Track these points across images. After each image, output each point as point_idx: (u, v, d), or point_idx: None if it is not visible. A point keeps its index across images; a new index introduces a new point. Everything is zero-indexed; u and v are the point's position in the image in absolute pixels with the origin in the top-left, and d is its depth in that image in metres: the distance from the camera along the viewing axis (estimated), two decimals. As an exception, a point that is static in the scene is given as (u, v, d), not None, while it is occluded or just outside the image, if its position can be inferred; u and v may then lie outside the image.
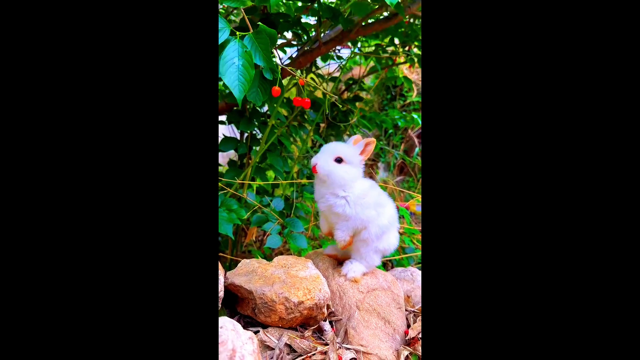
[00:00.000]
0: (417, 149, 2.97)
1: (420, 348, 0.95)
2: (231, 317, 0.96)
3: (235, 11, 1.52)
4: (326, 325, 0.94)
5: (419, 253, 1.67)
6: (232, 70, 0.88)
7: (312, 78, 1.81)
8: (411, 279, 1.25)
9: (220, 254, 1.54)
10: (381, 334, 0.97)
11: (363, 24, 1.48)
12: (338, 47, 1.84)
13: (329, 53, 1.73)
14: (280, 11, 1.36)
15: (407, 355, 0.94)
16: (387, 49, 1.93)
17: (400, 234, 1.12)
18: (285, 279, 0.94)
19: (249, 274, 0.97)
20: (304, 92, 1.17)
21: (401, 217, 1.51)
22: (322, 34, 1.50)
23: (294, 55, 1.63)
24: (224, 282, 0.94)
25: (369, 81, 3.08)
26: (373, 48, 2.00)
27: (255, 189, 1.58)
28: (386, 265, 1.77)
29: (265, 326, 0.93)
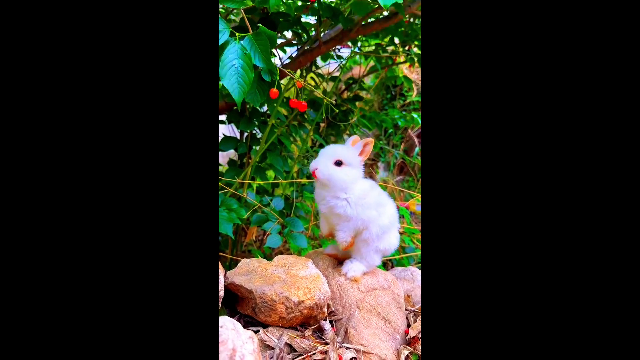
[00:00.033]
0: (417, 149, 2.97)
1: (420, 347, 0.95)
2: (231, 316, 0.96)
3: (235, 10, 1.52)
4: (326, 325, 0.94)
5: (419, 252, 1.67)
6: (231, 73, 0.88)
7: (312, 77, 1.80)
8: (411, 279, 1.25)
9: (220, 253, 1.54)
10: (381, 333, 0.97)
11: (363, 23, 1.48)
12: (338, 47, 1.83)
13: (329, 52, 1.73)
14: (280, 10, 1.36)
15: (407, 355, 0.94)
16: (387, 48, 1.93)
17: (400, 233, 1.12)
18: (286, 278, 0.94)
19: (249, 274, 0.97)
20: (301, 95, 1.17)
21: (401, 216, 1.51)
22: (322, 33, 1.50)
23: (294, 55, 1.63)
24: (224, 281, 0.94)
25: (368, 81, 3.08)
26: (373, 47, 2.00)
27: (255, 188, 1.58)
28: (386, 264, 1.77)
29: (265, 326, 0.93)
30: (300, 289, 0.90)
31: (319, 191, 1.01)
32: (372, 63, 2.17)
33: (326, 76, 1.83)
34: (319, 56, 1.73)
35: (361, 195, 0.97)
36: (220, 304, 0.90)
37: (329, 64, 1.88)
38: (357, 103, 2.05)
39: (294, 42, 1.65)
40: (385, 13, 1.50)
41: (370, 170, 2.77)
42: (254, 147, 1.61)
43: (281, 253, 1.70)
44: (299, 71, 1.69)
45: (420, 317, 1.06)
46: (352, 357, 0.89)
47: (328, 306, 0.96)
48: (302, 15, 1.48)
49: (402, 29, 1.78)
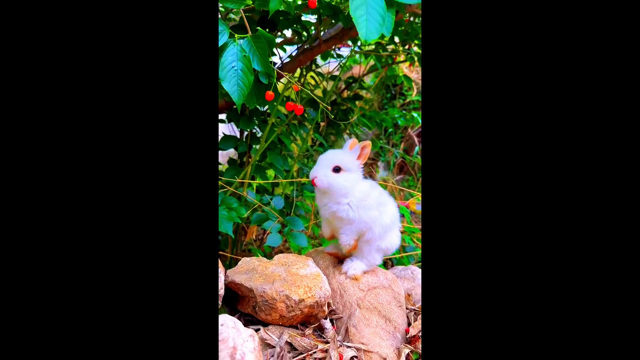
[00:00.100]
0: (417, 148, 2.97)
1: (421, 346, 0.95)
2: (232, 315, 0.96)
3: (234, 10, 1.51)
4: (327, 324, 0.94)
5: (419, 252, 1.67)
6: (231, 75, 0.88)
7: (312, 76, 1.80)
8: (411, 277, 1.24)
9: (221, 252, 1.54)
10: (382, 332, 0.97)
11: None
12: (338, 47, 1.83)
13: (329, 51, 1.73)
14: (280, 9, 1.36)
15: (408, 354, 0.94)
16: (387, 47, 1.93)
17: (401, 232, 1.12)
18: (286, 277, 0.94)
19: (249, 272, 0.97)
20: (297, 98, 1.16)
21: (401, 215, 1.51)
22: (322, 32, 1.49)
23: (294, 53, 1.62)
24: (225, 280, 0.94)
25: (368, 80, 3.07)
26: (373, 46, 2.00)
27: (255, 187, 1.58)
28: (386, 263, 1.77)
29: (265, 324, 0.92)
30: (301, 287, 0.90)
31: (320, 197, 1.01)
32: (372, 62, 2.17)
33: (326, 75, 1.83)
34: (319, 55, 1.72)
35: (362, 197, 0.97)
36: (220, 303, 0.89)
37: (329, 62, 1.88)
38: (357, 102, 2.05)
39: (294, 41, 1.64)
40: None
41: (370, 169, 2.77)
42: (254, 146, 1.60)
43: (281, 252, 1.70)
44: (298, 70, 1.69)
45: (420, 316, 1.06)
46: (353, 356, 0.88)
47: (328, 305, 0.96)
48: (302, 14, 1.48)
49: (402, 27, 1.77)
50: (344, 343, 0.91)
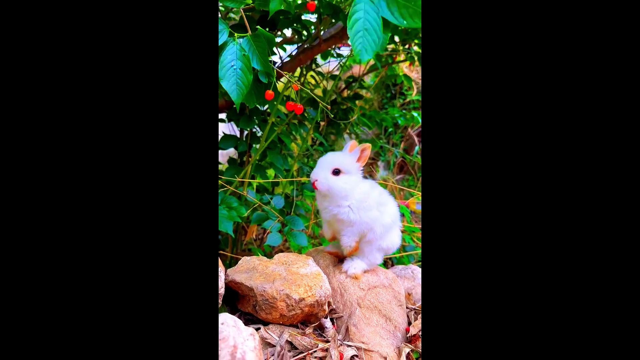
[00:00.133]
0: (417, 147, 2.97)
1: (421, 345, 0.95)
2: (232, 314, 0.96)
3: (234, 9, 1.51)
4: (327, 323, 0.94)
5: (419, 251, 1.67)
6: (230, 74, 0.88)
7: (312, 76, 1.80)
8: (412, 277, 1.24)
9: (221, 252, 1.54)
10: (382, 331, 0.97)
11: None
12: (338, 46, 1.83)
13: (329, 50, 1.73)
14: (281, 8, 1.35)
15: (408, 353, 0.94)
16: (387, 46, 1.93)
17: (401, 232, 1.12)
18: (286, 276, 0.94)
19: (249, 271, 0.97)
20: (297, 98, 1.16)
21: (401, 215, 1.51)
22: (322, 31, 1.49)
23: (294, 53, 1.62)
24: (225, 279, 0.94)
25: (368, 79, 3.07)
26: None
27: (255, 187, 1.57)
28: (387, 263, 1.77)
29: (266, 323, 0.92)
30: (301, 286, 0.90)
31: (321, 200, 1.01)
32: (372, 61, 2.17)
33: (326, 75, 1.83)
34: (319, 54, 1.72)
35: (362, 198, 0.97)
36: (220, 302, 0.89)
37: (329, 62, 1.88)
38: (357, 102, 2.05)
39: (295, 40, 1.64)
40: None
41: (370, 169, 2.77)
42: (254, 145, 1.60)
43: (281, 251, 1.70)
44: (298, 69, 1.69)
45: (420, 315, 1.06)
46: (353, 355, 0.88)
47: (329, 304, 0.96)
48: (302, 13, 1.47)
49: (402, 27, 1.77)
50: (344, 342, 0.91)
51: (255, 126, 1.56)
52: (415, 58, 1.85)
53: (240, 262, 1.03)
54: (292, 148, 1.78)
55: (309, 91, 1.22)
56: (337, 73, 1.82)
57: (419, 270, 1.27)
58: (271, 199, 1.44)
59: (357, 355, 0.89)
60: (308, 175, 1.78)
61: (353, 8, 0.83)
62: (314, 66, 1.80)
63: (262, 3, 0.98)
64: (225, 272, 0.98)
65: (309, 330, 0.92)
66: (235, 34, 0.89)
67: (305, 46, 1.53)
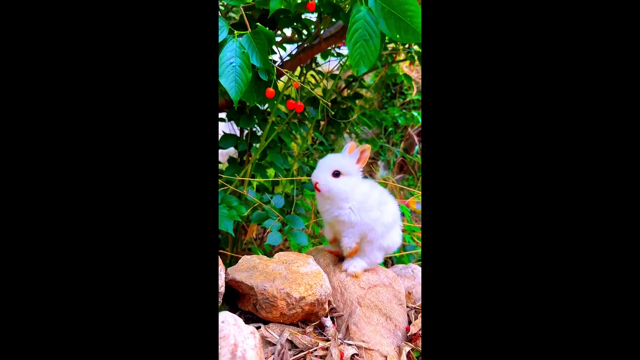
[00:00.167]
0: (417, 147, 2.97)
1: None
2: (232, 313, 0.96)
3: (234, 8, 1.51)
4: (327, 321, 0.94)
5: (419, 250, 1.67)
6: (229, 71, 0.88)
7: (312, 75, 1.80)
8: (412, 276, 1.24)
9: (221, 251, 1.54)
10: (383, 330, 0.97)
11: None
12: (338, 46, 1.83)
13: (329, 50, 1.72)
14: (281, 7, 1.35)
15: (408, 352, 0.94)
16: (388, 46, 1.93)
17: (401, 231, 1.12)
18: (287, 274, 0.93)
19: (249, 270, 0.97)
20: (297, 96, 1.16)
21: (401, 214, 1.51)
22: (322, 30, 1.49)
23: (294, 52, 1.62)
24: (225, 277, 0.94)
25: (368, 79, 3.07)
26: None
27: (255, 186, 1.57)
28: (387, 262, 1.77)
29: (266, 322, 0.92)
30: (302, 285, 0.90)
31: (322, 203, 1.01)
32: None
33: (326, 74, 1.83)
34: (319, 54, 1.72)
35: (363, 199, 0.97)
36: (221, 301, 0.89)
37: (329, 61, 1.88)
38: (357, 101, 2.05)
39: (294, 38, 1.64)
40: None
41: (370, 168, 2.77)
42: (254, 144, 1.60)
43: (281, 251, 1.69)
44: (298, 69, 1.69)
45: (421, 314, 1.06)
46: (354, 354, 0.88)
47: (329, 303, 0.96)
48: (302, 12, 1.47)
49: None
50: (344, 341, 0.91)
51: (255, 125, 1.56)
52: (416, 57, 1.85)
53: (240, 261, 1.03)
54: (292, 147, 1.77)
55: (309, 88, 1.22)
56: (337, 72, 1.82)
57: (419, 269, 1.27)
58: (271, 198, 1.44)
59: (357, 354, 0.89)
60: (308, 175, 1.78)
61: (353, 18, 0.84)
62: (314, 65, 1.80)
63: (262, 1, 0.98)
64: (226, 271, 0.98)
65: (309, 329, 0.92)
66: (235, 32, 0.89)
67: (305, 45, 1.53)
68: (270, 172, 1.69)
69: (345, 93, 2.10)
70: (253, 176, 1.52)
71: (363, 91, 2.61)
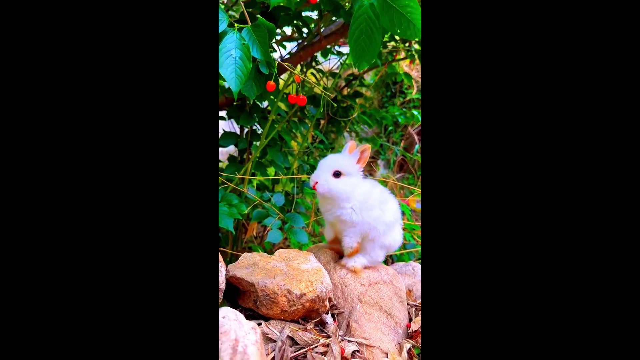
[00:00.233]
0: (417, 146, 2.97)
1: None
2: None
3: (235, 7, 1.51)
4: (328, 318, 0.94)
5: (420, 248, 1.67)
6: (229, 63, 0.87)
7: (312, 73, 1.80)
8: (412, 274, 1.24)
9: (221, 249, 1.54)
10: (383, 327, 0.97)
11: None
12: (338, 45, 1.83)
13: (329, 47, 1.72)
14: (281, 5, 1.35)
15: (409, 348, 0.94)
16: (388, 44, 1.93)
17: (402, 229, 1.12)
18: (287, 271, 0.93)
19: (250, 267, 0.97)
20: (300, 90, 1.16)
21: (402, 213, 1.51)
22: (322, 29, 1.49)
23: (294, 51, 1.62)
24: (226, 274, 0.94)
25: (368, 78, 3.07)
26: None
27: (255, 184, 1.57)
28: (387, 260, 1.77)
29: (267, 319, 0.92)
30: (302, 281, 0.90)
31: (323, 203, 1.01)
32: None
33: (326, 72, 1.83)
34: (319, 52, 1.72)
35: (364, 198, 0.98)
36: (221, 297, 0.89)
37: (329, 60, 1.88)
38: (357, 99, 2.05)
39: (295, 36, 1.64)
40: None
41: (370, 167, 2.77)
42: (254, 142, 1.60)
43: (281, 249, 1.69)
44: (299, 66, 1.69)
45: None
46: (354, 350, 0.88)
47: (330, 299, 0.96)
48: (303, 10, 1.47)
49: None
50: (345, 338, 0.91)
51: (256, 123, 1.56)
52: (416, 56, 1.85)
53: (241, 258, 1.03)
54: (292, 146, 1.77)
55: (312, 85, 1.22)
56: (337, 71, 1.82)
57: (420, 266, 1.27)
58: (271, 196, 1.44)
59: (358, 351, 0.89)
60: (308, 173, 1.78)
61: (356, 13, 0.84)
62: (314, 64, 1.80)
63: None
64: (226, 267, 0.97)
65: (310, 325, 0.92)
66: (235, 25, 0.89)
67: (305, 43, 1.53)
68: (271, 170, 1.69)
69: (345, 92, 2.10)
70: (253, 174, 1.52)
71: (363, 90, 2.61)
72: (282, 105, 1.62)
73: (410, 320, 1.04)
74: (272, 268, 0.95)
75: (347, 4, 1.29)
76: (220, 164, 1.79)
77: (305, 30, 1.53)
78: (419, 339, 0.96)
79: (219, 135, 1.53)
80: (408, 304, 1.08)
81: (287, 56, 1.59)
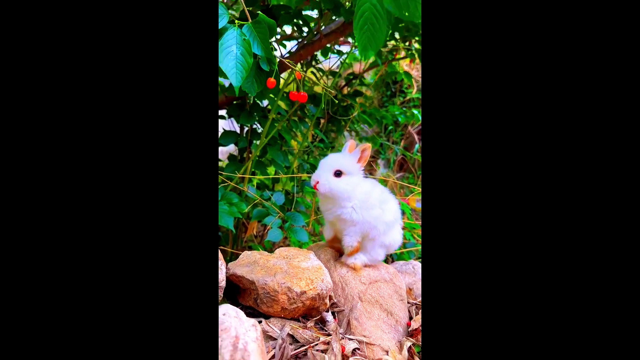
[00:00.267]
0: (417, 145, 2.97)
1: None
2: (233, 308, 0.95)
3: (235, 5, 1.51)
4: (329, 316, 0.94)
5: (420, 247, 1.67)
6: (230, 58, 0.87)
7: (312, 72, 1.80)
8: (413, 272, 1.24)
9: (221, 248, 1.54)
10: (384, 325, 0.97)
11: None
12: (338, 43, 1.83)
13: (329, 46, 1.73)
14: (281, 3, 1.35)
15: (410, 346, 0.94)
16: (388, 43, 1.93)
17: (402, 228, 1.12)
18: (288, 269, 0.93)
19: (250, 265, 0.97)
20: (301, 87, 1.16)
21: (402, 212, 1.51)
22: (322, 27, 1.49)
23: (294, 50, 1.62)
24: (226, 272, 0.94)
25: (368, 77, 3.07)
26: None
27: (255, 183, 1.57)
28: (387, 259, 1.77)
29: (267, 317, 0.92)
30: (303, 279, 0.90)
31: (324, 202, 1.02)
32: (372, 58, 2.17)
33: (326, 71, 1.83)
34: (320, 51, 1.72)
35: (364, 198, 0.98)
36: (221, 295, 0.89)
37: (329, 59, 1.88)
38: (357, 99, 2.05)
39: (295, 35, 1.64)
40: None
41: (370, 166, 2.77)
42: (254, 141, 1.60)
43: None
44: (299, 65, 1.69)
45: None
46: (355, 348, 0.88)
47: (330, 297, 0.96)
48: (303, 8, 1.47)
49: (403, 24, 1.77)
50: (345, 336, 0.91)
51: (256, 122, 1.56)
52: (416, 55, 1.85)
53: (241, 256, 1.03)
54: (292, 145, 1.78)
55: (314, 81, 1.22)
56: (337, 70, 1.82)
57: (420, 265, 1.27)
58: (272, 195, 1.44)
59: (358, 349, 0.89)
60: (308, 172, 1.78)
61: (360, 1, 0.83)
62: (314, 63, 1.80)
63: None
64: (226, 265, 0.97)
65: (310, 323, 0.91)
66: (236, 21, 0.88)
67: (305, 42, 1.53)
68: (271, 169, 1.69)
69: (345, 91, 2.10)
70: (253, 173, 1.52)
71: (363, 89, 2.61)
72: (282, 104, 1.63)
73: (411, 318, 1.04)
74: (273, 266, 0.95)
75: (347, 3, 1.29)
76: (220, 163, 1.79)
77: (305, 28, 1.53)
78: (419, 337, 0.96)
79: (219, 134, 1.53)
80: (408, 303, 1.08)
81: (287, 55, 1.59)
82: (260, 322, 0.89)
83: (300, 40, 1.61)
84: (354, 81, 2.12)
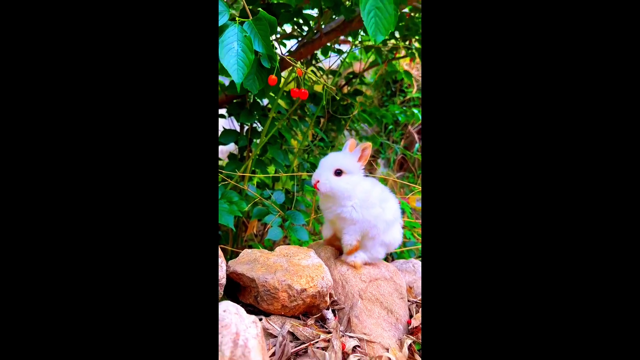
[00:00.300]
0: (417, 145, 2.97)
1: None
2: (233, 306, 0.95)
3: (235, 4, 1.51)
4: (329, 314, 0.94)
5: (420, 246, 1.67)
6: (231, 54, 0.87)
7: (312, 71, 1.80)
8: (413, 271, 1.24)
9: (221, 246, 1.54)
10: (384, 323, 0.97)
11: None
12: (338, 42, 1.83)
13: (329, 45, 1.73)
14: (281, 1, 1.35)
15: (410, 344, 0.94)
16: (388, 42, 1.93)
17: (402, 227, 1.12)
18: (288, 267, 0.93)
19: (251, 263, 0.97)
20: (301, 83, 1.16)
21: (402, 211, 1.51)
22: (323, 25, 1.49)
23: (294, 48, 1.62)
24: (226, 270, 0.94)
25: (369, 77, 3.07)
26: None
27: (255, 182, 1.57)
28: (387, 258, 1.77)
29: (267, 314, 0.92)
30: (303, 277, 0.90)
31: (324, 201, 1.02)
32: (372, 58, 2.17)
33: (326, 70, 1.83)
34: (320, 50, 1.72)
35: (364, 197, 0.98)
36: (222, 293, 0.89)
37: (330, 57, 1.88)
38: (357, 98, 2.05)
39: (295, 34, 1.64)
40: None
41: (370, 165, 2.77)
42: (254, 140, 1.60)
43: (282, 247, 1.69)
44: (299, 63, 1.69)
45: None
46: (355, 346, 0.88)
47: (330, 295, 0.96)
48: (303, 7, 1.47)
49: (403, 23, 1.77)
50: (346, 333, 0.91)
51: (256, 121, 1.56)
52: (416, 54, 1.85)
53: (241, 254, 1.03)
54: (292, 144, 1.78)
55: (314, 80, 1.22)
56: (337, 69, 1.82)
57: (420, 264, 1.27)
58: (272, 194, 1.44)
59: (359, 346, 0.89)
60: (308, 171, 1.78)
61: None
62: (314, 61, 1.80)
63: None
64: (227, 263, 0.97)
65: (310, 321, 0.91)
66: (237, 18, 0.88)
67: (305, 41, 1.53)
68: (271, 168, 1.69)
69: (345, 90, 2.10)
70: (253, 172, 1.52)
71: (363, 88, 2.61)
72: (282, 103, 1.63)
73: (411, 316, 1.04)
74: (273, 264, 0.95)
75: (347, 2, 1.29)
76: (220, 162, 1.79)
77: (305, 27, 1.53)
78: (420, 335, 0.96)
79: (219, 133, 1.53)
80: (408, 301, 1.08)
81: (287, 54, 1.59)
82: (260, 319, 0.89)
83: (300, 38, 1.61)
84: (354, 80, 2.12)
